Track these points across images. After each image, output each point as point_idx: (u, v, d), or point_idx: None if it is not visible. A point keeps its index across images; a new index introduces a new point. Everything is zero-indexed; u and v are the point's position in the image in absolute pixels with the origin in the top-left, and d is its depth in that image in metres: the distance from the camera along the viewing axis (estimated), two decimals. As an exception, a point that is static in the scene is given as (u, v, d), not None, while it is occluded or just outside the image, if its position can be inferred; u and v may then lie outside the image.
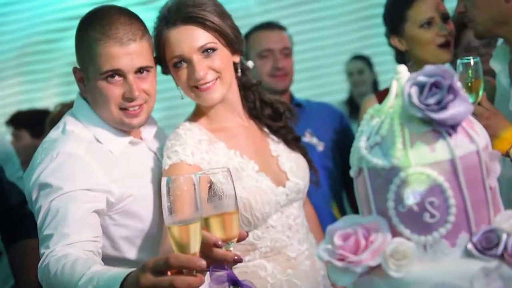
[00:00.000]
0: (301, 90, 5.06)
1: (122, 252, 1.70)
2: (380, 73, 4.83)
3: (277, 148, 1.87)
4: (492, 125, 1.57)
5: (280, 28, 2.74)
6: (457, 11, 1.84)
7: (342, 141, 2.62)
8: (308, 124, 2.55)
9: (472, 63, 1.67)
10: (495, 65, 1.90)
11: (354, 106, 4.47)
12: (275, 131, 1.91)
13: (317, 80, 5.24)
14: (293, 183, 1.81)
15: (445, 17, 2.20)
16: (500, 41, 1.99)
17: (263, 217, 1.71)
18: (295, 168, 1.85)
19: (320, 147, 2.58)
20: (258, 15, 5.06)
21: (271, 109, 1.91)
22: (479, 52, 2.64)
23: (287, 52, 2.66)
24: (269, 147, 1.87)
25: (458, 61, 1.69)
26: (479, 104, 1.66)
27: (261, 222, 1.72)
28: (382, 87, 4.30)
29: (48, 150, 1.63)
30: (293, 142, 1.93)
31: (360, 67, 4.55)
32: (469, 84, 1.66)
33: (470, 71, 1.66)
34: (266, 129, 1.91)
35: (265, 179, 1.75)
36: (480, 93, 1.67)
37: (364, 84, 4.53)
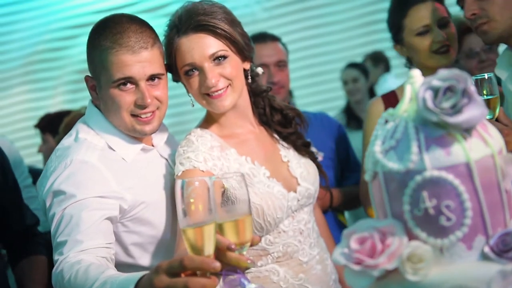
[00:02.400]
0: (307, 96, 5.10)
1: (135, 258, 1.71)
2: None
3: (287, 154, 1.88)
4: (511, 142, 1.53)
5: (274, 39, 2.68)
6: (468, 14, 1.79)
7: (341, 151, 2.62)
8: (306, 134, 2.56)
9: (486, 79, 1.63)
10: (501, 72, 1.88)
11: (351, 115, 4.48)
12: (284, 137, 1.92)
13: (322, 86, 5.25)
14: (303, 188, 1.82)
15: (442, 23, 2.18)
16: (503, 47, 1.97)
17: (275, 222, 1.72)
18: (305, 173, 1.86)
19: (320, 157, 2.58)
20: (263, 21, 5.09)
21: (281, 115, 1.92)
22: (481, 58, 2.63)
23: (282, 65, 2.62)
24: (279, 153, 1.88)
25: (472, 78, 1.67)
26: (496, 120, 1.63)
27: (273, 227, 1.73)
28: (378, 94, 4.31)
29: (62, 158, 1.65)
30: (303, 148, 1.94)
31: (355, 75, 4.56)
32: (484, 101, 1.63)
33: (484, 88, 1.63)
34: (276, 135, 1.92)
35: (277, 185, 1.76)
36: (497, 109, 1.64)
37: (359, 92, 4.54)
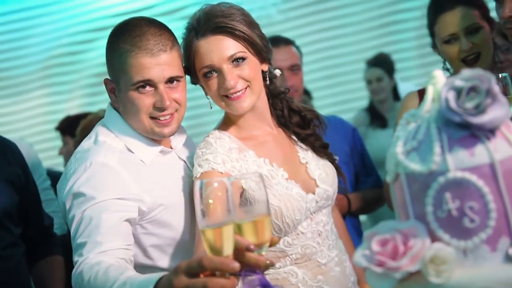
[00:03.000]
0: (323, 97, 5.08)
1: (153, 260, 1.72)
2: (400, 79, 4.81)
3: (306, 155, 1.88)
4: None
5: (287, 42, 2.66)
6: (506, 15, 1.75)
7: (355, 155, 2.60)
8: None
9: (500, 78, 1.61)
10: None
11: (374, 114, 4.45)
12: (303, 139, 1.92)
13: (338, 88, 5.23)
14: (322, 190, 1.81)
15: (471, 30, 2.13)
16: None
17: (294, 224, 1.72)
18: (324, 175, 1.86)
19: None
20: (279, 24, 5.08)
21: (299, 117, 1.92)
22: (498, 59, 2.60)
23: (295, 68, 2.60)
24: (297, 154, 1.87)
25: None
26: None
27: (292, 229, 1.73)
28: (402, 93, 4.29)
29: (81, 160, 1.66)
30: (321, 150, 1.93)
31: (379, 74, 4.51)
32: None
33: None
34: (294, 137, 1.91)
35: (295, 187, 1.75)
36: (510, 110, 1.63)
37: (383, 91, 4.49)
